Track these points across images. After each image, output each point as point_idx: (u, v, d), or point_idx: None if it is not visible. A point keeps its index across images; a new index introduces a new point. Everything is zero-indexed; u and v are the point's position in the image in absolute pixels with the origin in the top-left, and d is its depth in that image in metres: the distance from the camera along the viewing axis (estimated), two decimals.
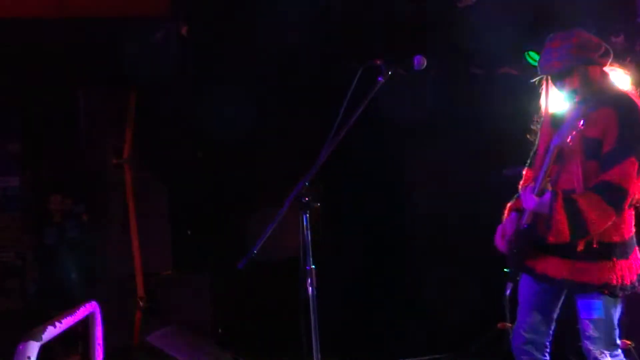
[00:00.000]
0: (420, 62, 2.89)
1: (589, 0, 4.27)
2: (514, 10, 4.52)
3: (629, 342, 3.90)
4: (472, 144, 5.46)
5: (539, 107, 3.17)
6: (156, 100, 4.73)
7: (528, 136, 3.29)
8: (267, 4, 4.53)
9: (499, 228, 3.18)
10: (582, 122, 2.74)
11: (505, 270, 3.14)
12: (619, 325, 2.95)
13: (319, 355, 2.79)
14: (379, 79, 2.89)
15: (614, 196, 2.77)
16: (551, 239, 2.84)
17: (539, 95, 3.18)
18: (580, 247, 2.85)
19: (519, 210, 3.13)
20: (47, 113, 5.15)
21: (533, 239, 2.99)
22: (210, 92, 5.00)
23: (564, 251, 2.90)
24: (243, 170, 5.26)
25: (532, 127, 3.22)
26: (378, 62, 2.89)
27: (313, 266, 2.78)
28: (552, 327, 3.15)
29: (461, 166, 5.53)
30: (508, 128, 5.18)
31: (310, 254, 2.78)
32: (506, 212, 3.23)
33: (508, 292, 3.16)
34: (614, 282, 2.85)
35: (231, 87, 5.02)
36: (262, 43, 4.71)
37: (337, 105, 2.81)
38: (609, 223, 2.80)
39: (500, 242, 3.16)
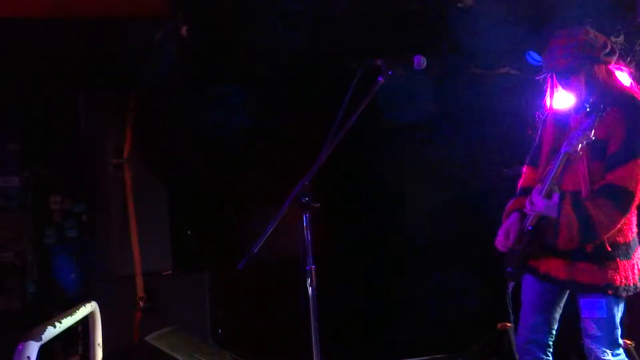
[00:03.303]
0: (420, 62, 2.89)
1: (589, 1, 4.27)
2: (514, 10, 4.51)
3: (629, 342, 3.90)
4: (472, 144, 5.46)
5: (542, 105, 3.16)
6: (156, 100, 4.73)
7: (530, 132, 3.28)
8: (267, 4, 4.53)
9: (501, 230, 3.17)
10: (592, 133, 2.71)
11: (507, 270, 3.14)
12: (620, 324, 2.95)
13: (319, 355, 2.79)
14: (379, 79, 2.89)
15: (622, 199, 2.75)
16: (560, 244, 2.82)
17: (539, 95, 3.18)
18: (590, 249, 2.84)
19: (520, 211, 3.12)
20: (47, 113, 5.14)
21: (538, 241, 2.98)
22: (210, 92, 5.00)
23: (567, 252, 2.89)
24: (243, 170, 5.26)
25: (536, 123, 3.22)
26: (378, 62, 2.89)
27: (313, 266, 2.78)
28: (556, 327, 3.15)
29: (461, 166, 5.53)
30: (508, 128, 5.19)
31: (311, 254, 2.78)
32: (505, 213, 3.22)
33: (509, 290, 3.16)
34: (618, 282, 2.85)
35: (231, 87, 5.02)
36: (262, 43, 4.71)
37: (337, 105, 2.81)
38: (618, 226, 2.80)
39: (503, 243, 3.14)
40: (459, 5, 4.51)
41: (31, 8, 4.54)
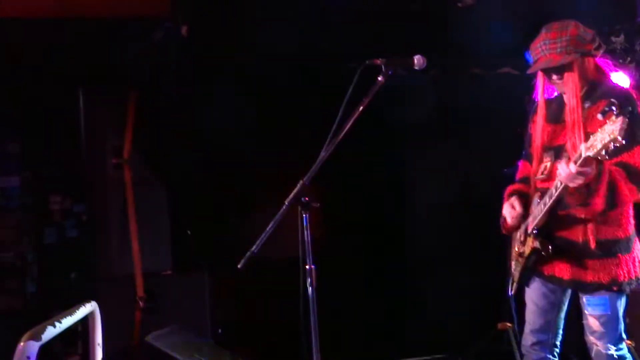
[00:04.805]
0: (420, 62, 2.90)
1: (589, 0, 4.27)
2: (514, 10, 4.52)
3: (629, 342, 3.90)
4: (472, 144, 5.46)
5: (532, 100, 3.16)
6: (156, 100, 4.73)
7: (519, 130, 3.29)
8: (267, 4, 4.53)
9: (504, 208, 3.17)
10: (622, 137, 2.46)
11: (513, 272, 3.14)
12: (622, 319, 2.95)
13: (319, 355, 2.79)
14: (379, 78, 2.89)
15: (635, 176, 2.74)
16: (582, 210, 2.75)
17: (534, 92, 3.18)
18: (593, 246, 2.84)
19: (518, 193, 3.11)
20: (47, 113, 5.14)
21: (543, 243, 2.98)
22: (210, 92, 5.00)
23: (570, 251, 2.90)
24: (243, 170, 5.26)
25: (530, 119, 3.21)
26: (378, 62, 2.89)
27: (313, 266, 2.78)
28: (561, 326, 3.15)
29: (461, 166, 5.53)
30: (508, 128, 5.18)
31: (310, 254, 2.78)
32: (506, 196, 3.22)
33: (511, 292, 3.16)
34: (621, 278, 2.86)
35: (231, 87, 5.02)
36: (262, 43, 4.71)
37: (337, 105, 2.81)
38: (632, 200, 2.80)
39: (511, 214, 3.12)
40: (459, 5, 4.52)
41: (31, 8, 4.54)
